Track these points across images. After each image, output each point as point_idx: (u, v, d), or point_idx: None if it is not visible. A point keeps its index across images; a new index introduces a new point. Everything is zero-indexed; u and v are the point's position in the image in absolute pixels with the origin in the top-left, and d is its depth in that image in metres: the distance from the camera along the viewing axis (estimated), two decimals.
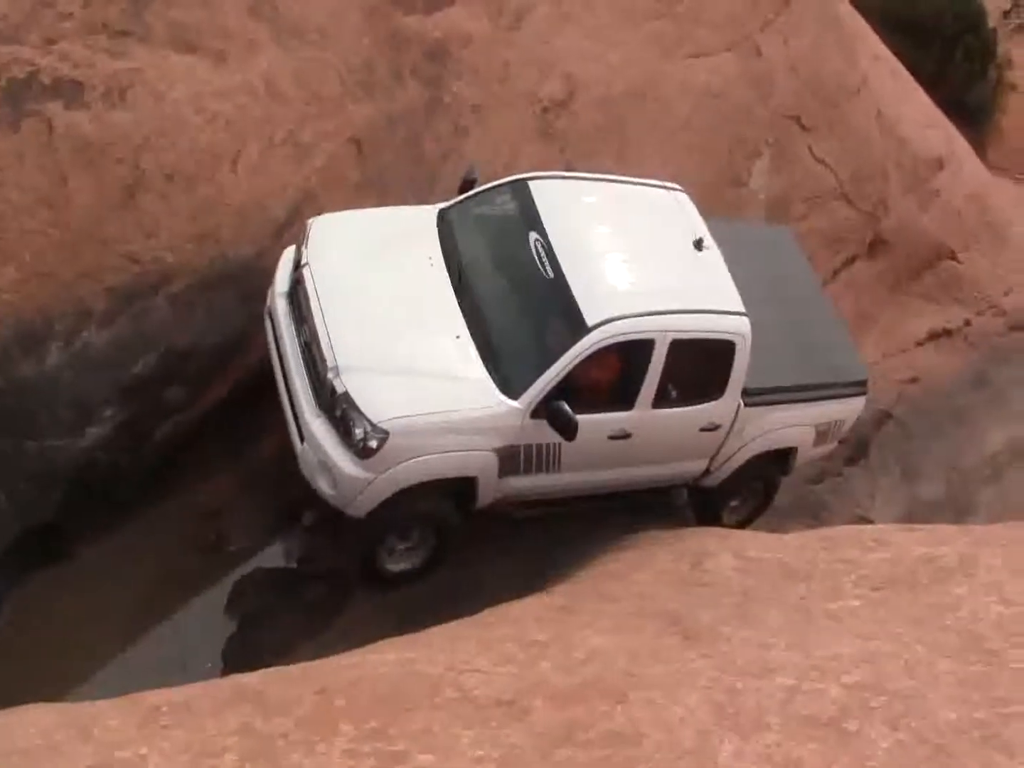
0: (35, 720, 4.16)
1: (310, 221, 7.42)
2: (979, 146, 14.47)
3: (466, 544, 7.23)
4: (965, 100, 15.26)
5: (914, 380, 11.06)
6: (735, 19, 10.91)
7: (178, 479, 7.28)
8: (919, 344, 11.28)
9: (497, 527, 7.35)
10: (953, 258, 11.84)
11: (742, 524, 8.67)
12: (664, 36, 10.45)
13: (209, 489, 7.36)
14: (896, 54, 12.75)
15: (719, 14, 10.83)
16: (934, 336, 11.37)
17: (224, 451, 7.38)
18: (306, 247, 7.23)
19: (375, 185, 8.36)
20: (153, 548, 7.04)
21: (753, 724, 4.35)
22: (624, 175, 8.22)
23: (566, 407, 6.73)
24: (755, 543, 6.70)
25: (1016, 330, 11.93)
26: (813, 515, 9.31)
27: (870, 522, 9.03)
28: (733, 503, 8.59)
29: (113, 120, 7.32)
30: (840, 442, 8.95)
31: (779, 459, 8.44)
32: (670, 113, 10.11)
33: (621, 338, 6.96)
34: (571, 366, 6.83)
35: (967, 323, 11.61)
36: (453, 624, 5.63)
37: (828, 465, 9.82)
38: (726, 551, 6.36)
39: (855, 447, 10.21)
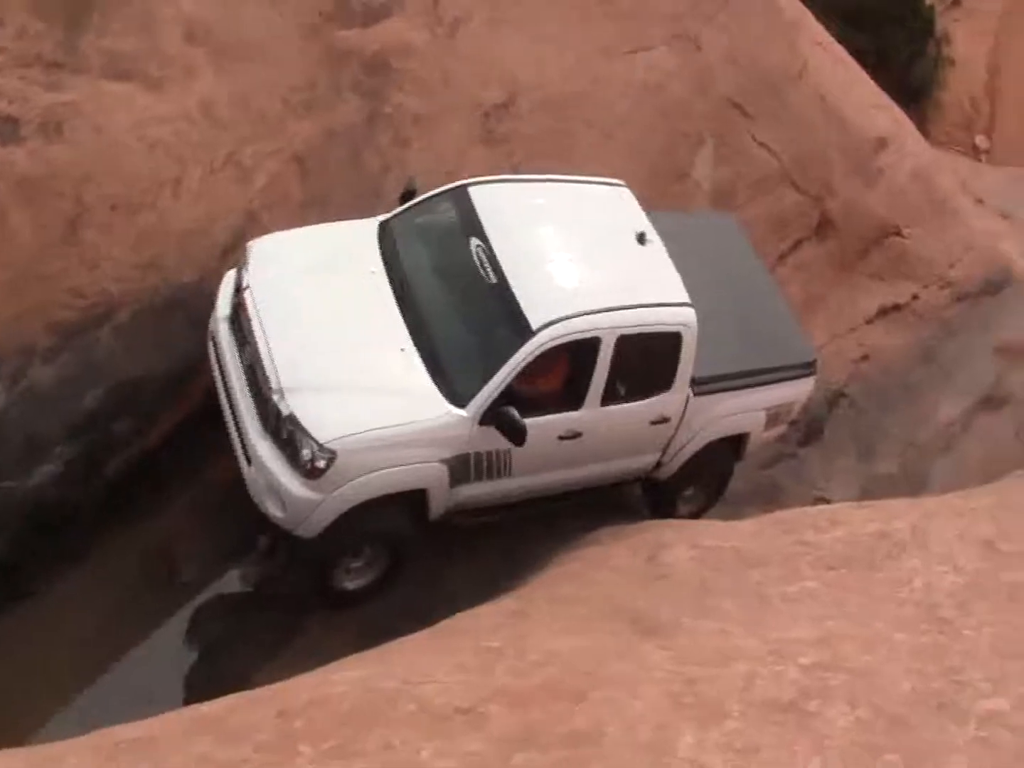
0: None
1: (249, 243, 7.39)
2: (921, 122, 14.62)
3: (421, 556, 7.20)
4: (906, 78, 15.40)
5: (865, 358, 11.12)
6: (673, 13, 10.96)
7: (132, 509, 7.21)
8: (869, 322, 11.33)
9: (452, 536, 7.32)
10: (899, 234, 11.89)
11: (698, 512, 8.71)
12: (602, 34, 10.48)
13: (164, 517, 7.29)
14: (836, 37, 12.83)
15: (656, 9, 10.87)
16: (883, 312, 11.44)
17: (177, 478, 7.33)
18: (246, 270, 7.19)
19: (319, 202, 8.37)
20: (110, 582, 6.97)
21: (713, 713, 4.37)
22: (568, 175, 8.23)
23: (514, 412, 6.72)
24: (711, 532, 6.72)
25: (962, 300, 12.04)
26: (769, 499, 9.28)
27: (827, 502, 9.05)
28: (687, 492, 8.59)
29: (51, 154, 7.32)
30: (791, 423, 9.00)
31: (732, 445, 8.46)
32: (612, 110, 10.13)
33: (567, 338, 6.95)
34: (517, 370, 6.82)
35: (915, 297, 11.68)
36: (408, 637, 5.61)
37: (783, 448, 9.87)
38: (682, 542, 6.37)
39: (809, 428, 10.27)
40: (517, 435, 6.76)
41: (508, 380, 6.80)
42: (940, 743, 4.25)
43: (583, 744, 4.09)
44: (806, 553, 5.88)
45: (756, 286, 8.86)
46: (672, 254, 7.69)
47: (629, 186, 8.17)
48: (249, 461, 6.73)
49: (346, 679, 4.62)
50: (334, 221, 7.88)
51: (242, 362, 6.97)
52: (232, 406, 6.95)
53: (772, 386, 8.34)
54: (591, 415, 7.26)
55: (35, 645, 6.60)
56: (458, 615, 5.96)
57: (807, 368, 8.61)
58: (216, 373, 7.17)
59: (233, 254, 7.69)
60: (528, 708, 4.28)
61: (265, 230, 7.77)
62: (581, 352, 7.08)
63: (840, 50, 12.70)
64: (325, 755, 3.91)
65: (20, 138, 7.19)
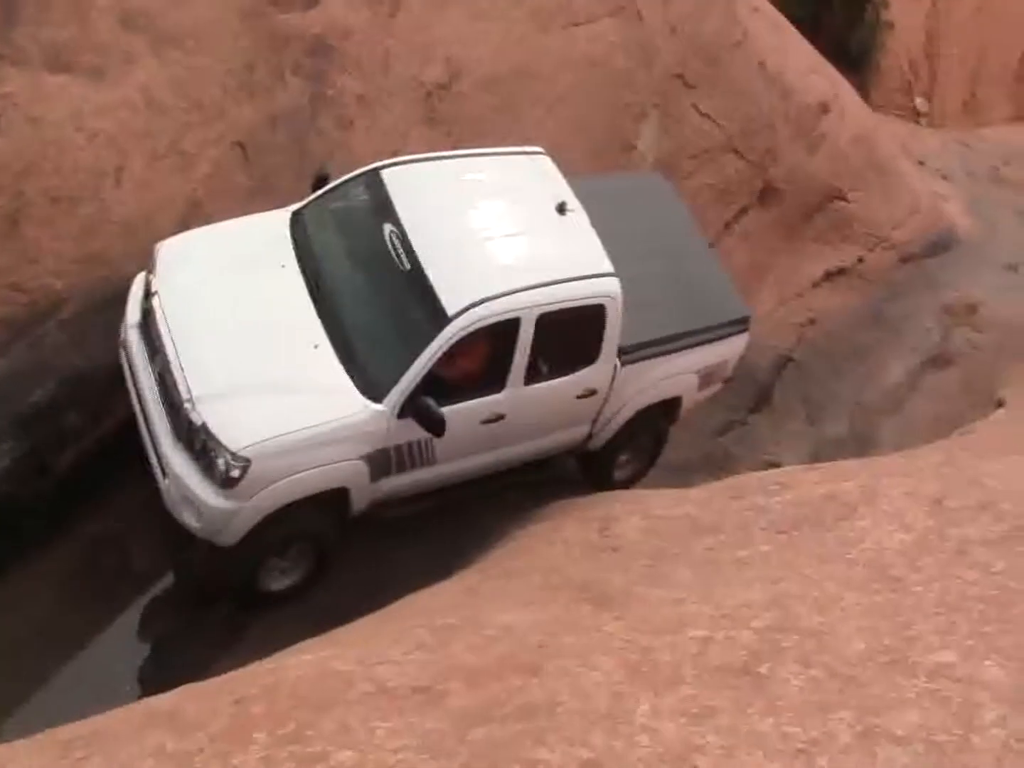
0: None
1: (157, 245, 7.15)
2: (862, 87, 14.71)
3: (370, 542, 7.14)
4: (845, 43, 15.45)
5: (812, 322, 11.22)
6: None
7: (83, 503, 7.12)
8: (815, 286, 11.44)
9: (398, 521, 7.25)
10: (843, 198, 12.00)
11: (635, 477, 8.61)
12: (543, 9, 10.46)
13: (115, 510, 7.21)
14: (774, 3, 12.87)
15: None
16: (829, 276, 11.54)
17: (128, 471, 7.14)
18: (154, 274, 6.96)
19: (264, 188, 8.31)
20: (61, 575, 6.90)
21: (667, 680, 4.41)
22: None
23: (431, 404, 6.54)
24: (662, 501, 6.74)
25: (907, 261, 12.18)
26: (721, 467, 9.33)
27: (778, 467, 9.10)
28: (622, 458, 8.45)
29: None
30: (726, 381, 8.81)
31: (664, 409, 8.31)
32: (554, 85, 10.13)
33: (485, 322, 6.75)
34: (435, 359, 6.63)
35: (860, 260, 11.81)
36: (362, 620, 5.61)
37: (733, 415, 9.95)
38: (634, 513, 6.39)
39: (759, 395, 10.36)
40: (436, 426, 6.60)
41: (426, 370, 6.62)
42: (891, 698, 4.32)
43: (540, 716, 4.12)
44: (757, 518, 5.92)
45: (685, 244, 8.63)
46: (596, 219, 7.49)
47: (550, 153, 7.94)
48: (164, 473, 6.56)
49: (301, 663, 4.63)
50: (279, 207, 7.75)
51: (153, 371, 6.76)
52: (145, 416, 6.74)
53: (704, 347, 8.17)
54: (514, 396, 7.10)
55: None
56: (411, 595, 5.95)
57: (740, 325, 8.44)
58: (129, 383, 6.94)
59: None
60: (485, 683, 4.30)
61: (209, 218, 7.71)
62: (501, 334, 6.89)
63: (777, 15, 12.74)
64: (280, 740, 3.92)
65: None
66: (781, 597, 5.07)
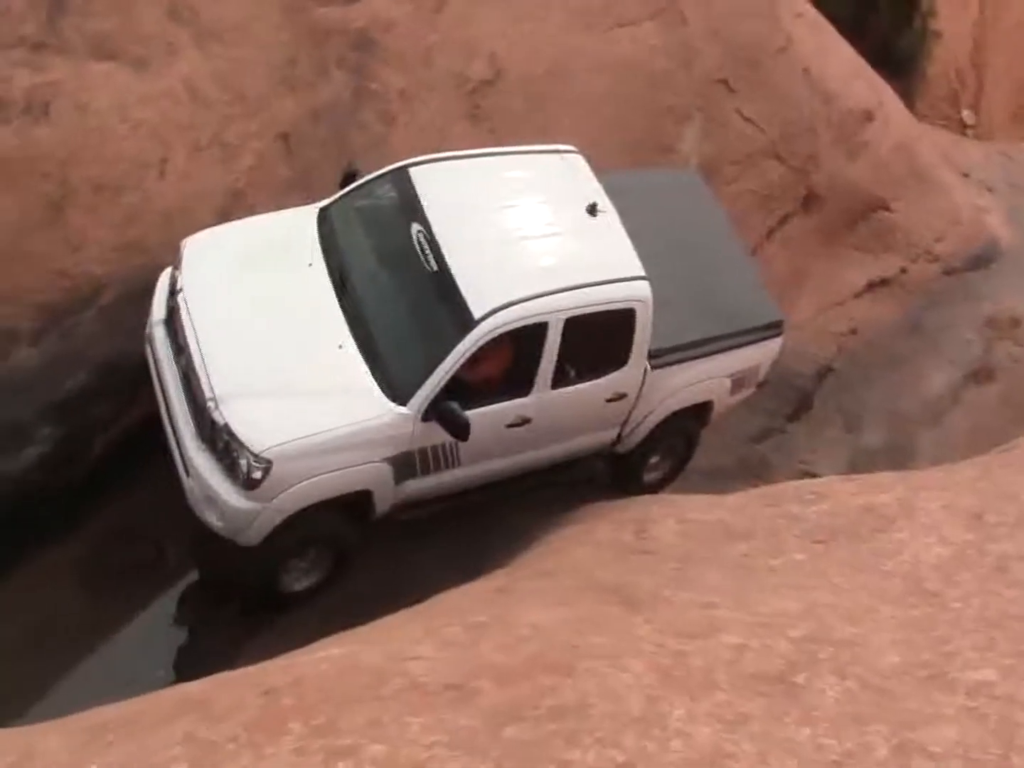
0: None
1: (183, 242, 7.10)
2: (907, 96, 14.50)
3: (389, 543, 7.12)
4: (891, 51, 15.28)
5: (853, 332, 11.09)
6: None
7: (116, 491, 7.18)
8: (856, 296, 11.32)
9: (417, 523, 7.23)
10: (886, 208, 11.85)
11: (665, 480, 8.51)
12: (587, 9, 10.43)
13: (148, 499, 7.22)
14: (819, 8, 12.74)
15: None
16: (871, 287, 11.42)
17: (161, 459, 7.09)
18: (180, 271, 6.92)
19: (305, 181, 8.33)
20: (94, 564, 6.95)
21: (701, 685, 4.37)
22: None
23: (456, 408, 6.47)
24: (697, 506, 6.70)
25: (950, 275, 12.05)
26: (757, 474, 9.27)
27: (814, 476, 8.97)
28: (652, 461, 8.34)
29: (36, 135, 7.31)
30: (759, 385, 8.65)
31: (696, 413, 8.19)
32: (596, 86, 10.07)
33: (512, 326, 6.67)
34: (460, 363, 6.56)
35: (903, 271, 11.67)
36: (392, 616, 5.58)
37: (772, 422, 9.86)
38: (668, 517, 6.34)
39: (798, 402, 10.25)
40: (460, 431, 6.53)
41: (451, 373, 6.55)
42: (928, 713, 4.27)
43: (572, 716, 4.08)
44: (792, 526, 5.87)
45: (718, 245, 8.46)
46: (628, 217, 7.35)
47: (586, 152, 7.80)
48: (187, 472, 6.55)
49: (332, 656, 4.61)
50: (320, 200, 7.71)
51: (178, 369, 6.75)
52: (170, 414, 6.73)
53: (736, 351, 8.03)
54: (541, 400, 7.02)
55: (17, 628, 6.54)
56: (441, 594, 5.93)
57: (773, 329, 8.28)
58: (154, 379, 6.94)
59: None
60: (517, 682, 4.26)
61: (252, 209, 7.74)
62: (528, 338, 6.80)
63: (822, 20, 12.56)
64: (314, 731, 3.90)
65: (5, 119, 7.16)
66: (816, 607, 5.03)
